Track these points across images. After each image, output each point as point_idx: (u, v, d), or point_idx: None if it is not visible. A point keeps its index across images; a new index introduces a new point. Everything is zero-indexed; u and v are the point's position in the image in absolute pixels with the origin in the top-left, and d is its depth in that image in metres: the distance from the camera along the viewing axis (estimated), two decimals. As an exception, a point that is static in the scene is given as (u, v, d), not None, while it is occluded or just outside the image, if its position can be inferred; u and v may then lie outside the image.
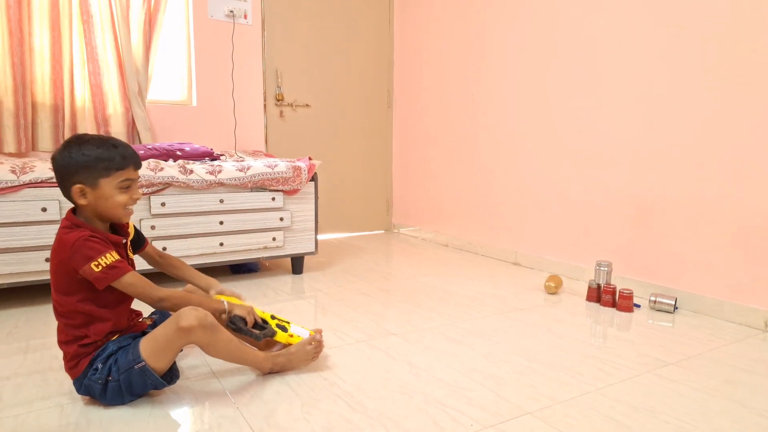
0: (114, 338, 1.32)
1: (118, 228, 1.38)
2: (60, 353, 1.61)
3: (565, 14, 2.63)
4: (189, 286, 1.59)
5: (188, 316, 1.26)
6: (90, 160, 1.24)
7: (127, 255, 1.39)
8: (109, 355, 1.28)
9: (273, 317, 1.55)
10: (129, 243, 1.42)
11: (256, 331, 1.47)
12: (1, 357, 1.61)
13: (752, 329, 1.95)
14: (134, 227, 1.47)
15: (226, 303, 1.44)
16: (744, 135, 1.97)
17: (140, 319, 1.46)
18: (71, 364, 1.29)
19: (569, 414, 1.30)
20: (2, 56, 2.56)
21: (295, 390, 1.41)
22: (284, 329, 1.53)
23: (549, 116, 2.75)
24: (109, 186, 1.27)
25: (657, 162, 2.26)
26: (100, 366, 1.27)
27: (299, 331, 1.56)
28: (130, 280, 1.26)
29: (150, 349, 1.26)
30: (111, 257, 1.24)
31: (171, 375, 1.35)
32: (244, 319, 1.45)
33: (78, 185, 1.25)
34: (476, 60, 3.19)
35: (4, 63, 2.56)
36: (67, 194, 1.27)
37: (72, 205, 1.31)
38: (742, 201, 1.99)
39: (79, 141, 1.26)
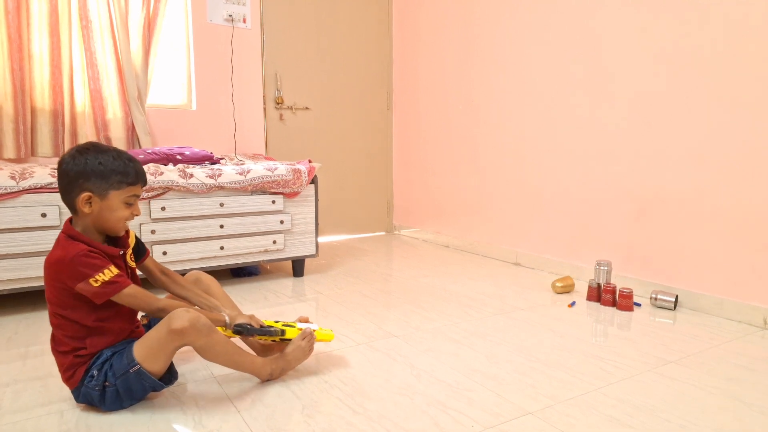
0: (109, 345, 1.30)
1: (116, 239, 1.36)
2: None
3: (563, 13, 2.63)
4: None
5: (180, 317, 1.23)
6: (105, 170, 1.24)
7: (127, 265, 1.36)
8: (104, 361, 1.27)
9: (277, 321, 1.56)
10: (131, 253, 1.39)
11: (271, 329, 1.46)
12: (1, 363, 1.62)
13: (752, 327, 1.95)
14: (135, 236, 1.44)
15: (226, 315, 1.42)
16: (744, 131, 1.97)
17: (141, 326, 1.45)
18: (68, 375, 1.28)
19: (570, 414, 1.30)
20: (1, 62, 2.56)
21: (296, 393, 1.41)
22: (291, 326, 1.54)
23: (548, 115, 2.75)
24: (116, 199, 1.27)
25: (656, 160, 2.26)
26: (95, 373, 1.26)
27: (305, 327, 1.56)
28: (130, 292, 1.25)
29: (144, 352, 1.25)
30: (110, 272, 1.23)
31: (169, 376, 1.34)
32: (249, 324, 1.44)
33: (87, 193, 1.24)
34: (475, 60, 3.19)
35: (4, 69, 2.57)
36: (71, 200, 1.25)
37: (69, 215, 1.29)
38: (741, 198, 1.99)
39: (96, 149, 1.26)
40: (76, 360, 1.27)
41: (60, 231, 1.30)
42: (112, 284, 1.22)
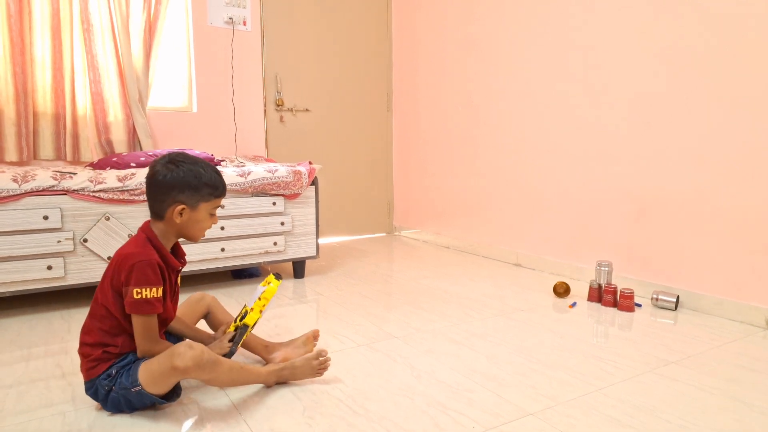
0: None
1: (177, 252, 1.40)
2: (62, 361, 1.63)
3: (562, 14, 2.63)
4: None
5: (183, 355, 1.22)
6: (199, 183, 1.30)
7: (176, 281, 1.39)
8: (126, 365, 1.27)
9: (235, 320, 1.49)
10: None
11: (236, 332, 1.45)
12: (4, 365, 1.62)
13: (753, 327, 1.95)
14: None
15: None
16: (744, 132, 1.98)
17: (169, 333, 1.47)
18: (90, 365, 1.28)
19: (571, 414, 1.31)
20: (4, 65, 2.58)
21: (297, 395, 1.41)
22: (245, 327, 1.46)
23: (548, 116, 2.76)
24: (205, 211, 1.33)
25: (656, 160, 2.27)
26: (113, 372, 1.27)
27: (252, 303, 1.48)
28: (149, 321, 1.27)
29: (147, 377, 1.25)
30: (155, 292, 1.25)
31: (172, 392, 1.32)
32: (230, 347, 1.43)
33: (181, 205, 1.29)
34: (474, 62, 3.20)
35: (6, 72, 2.58)
36: (162, 209, 1.29)
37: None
38: (742, 199, 1.99)
39: (190, 161, 1.31)
40: (103, 356, 1.28)
41: (138, 229, 1.33)
42: (147, 304, 1.25)
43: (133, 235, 1.40)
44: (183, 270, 2.28)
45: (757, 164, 1.94)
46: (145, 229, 1.33)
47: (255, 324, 1.48)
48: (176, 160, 1.30)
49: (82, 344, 1.30)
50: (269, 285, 1.47)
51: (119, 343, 1.28)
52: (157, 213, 1.32)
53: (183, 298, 2.25)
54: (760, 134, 1.92)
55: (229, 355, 1.41)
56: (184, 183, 1.28)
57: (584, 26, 2.53)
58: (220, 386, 1.38)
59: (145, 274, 1.24)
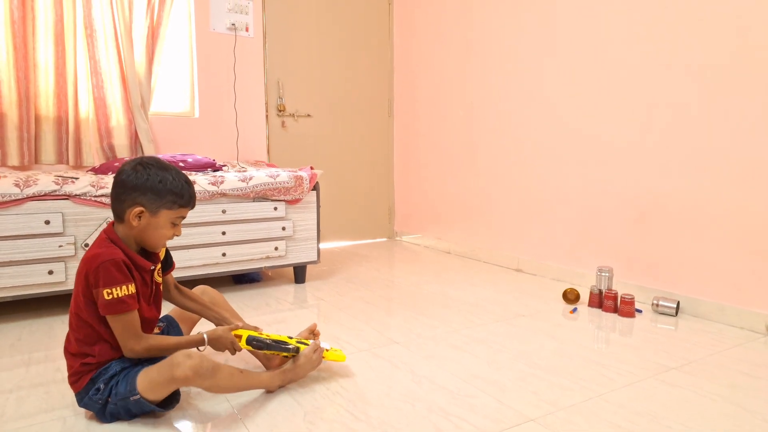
0: (118, 357, 1.29)
1: (150, 252, 1.37)
2: (63, 366, 1.62)
3: (563, 19, 2.65)
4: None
5: (182, 365, 1.21)
6: (164, 189, 1.27)
7: (153, 281, 1.36)
8: (112, 375, 1.26)
9: (291, 337, 1.55)
10: (159, 267, 1.39)
11: (288, 346, 1.48)
12: (4, 370, 1.62)
13: (754, 333, 1.95)
14: (166, 249, 1.46)
15: (205, 336, 1.36)
16: (745, 137, 1.98)
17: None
18: (73, 379, 1.28)
19: (572, 420, 1.30)
20: (7, 71, 2.59)
21: (298, 400, 1.41)
22: (305, 344, 1.54)
23: (548, 122, 2.77)
24: (165, 218, 1.30)
25: (657, 165, 2.27)
26: (102, 387, 1.25)
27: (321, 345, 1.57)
28: (127, 319, 1.24)
29: (146, 384, 1.24)
30: (126, 290, 1.23)
31: (170, 398, 1.31)
32: (262, 340, 1.44)
33: (140, 207, 1.26)
34: (475, 67, 3.21)
35: (9, 77, 2.60)
36: (122, 210, 1.27)
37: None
38: (743, 204, 2.00)
39: (159, 166, 1.28)
40: (82, 368, 1.27)
41: (101, 231, 1.32)
42: (120, 303, 1.22)
43: None
44: (184, 275, 2.30)
45: (757, 169, 1.94)
46: (107, 230, 1.30)
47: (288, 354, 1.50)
48: (146, 164, 1.28)
49: (66, 355, 1.29)
50: (338, 353, 1.58)
51: (96, 351, 1.26)
52: (117, 214, 1.29)
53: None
54: (761, 139, 1.93)
55: (261, 343, 1.43)
56: (146, 186, 1.25)
57: (585, 31, 2.54)
58: (221, 392, 1.38)
59: (110, 273, 1.21)
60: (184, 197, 1.31)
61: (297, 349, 1.50)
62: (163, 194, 1.27)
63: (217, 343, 1.39)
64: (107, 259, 1.22)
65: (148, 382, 1.24)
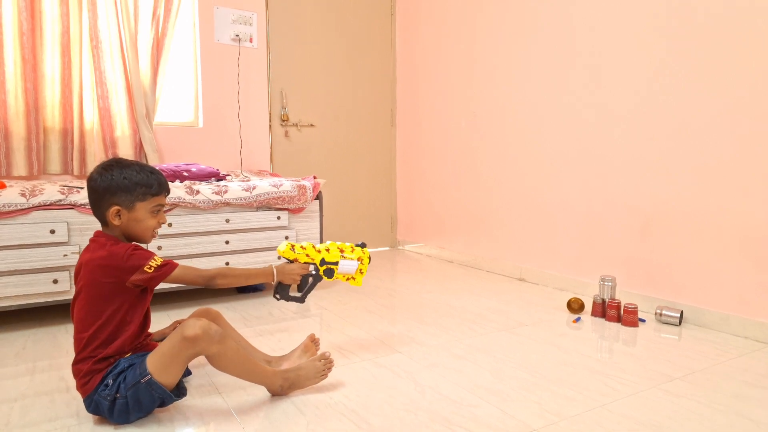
0: (126, 356, 1.34)
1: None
2: (67, 375, 1.63)
3: (566, 28, 2.67)
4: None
5: (193, 325, 1.28)
6: (131, 184, 1.34)
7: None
8: (120, 371, 1.29)
9: (323, 263, 1.64)
10: None
11: (297, 295, 1.63)
12: (9, 378, 1.63)
13: (759, 343, 1.94)
14: None
15: (275, 270, 1.55)
16: (749, 146, 1.99)
17: (150, 339, 1.48)
18: (83, 381, 1.30)
19: (575, 430, 1.30)
20: (15, 82, 2.62)
21: (301, 409, 1.41)
22: (331, 273, 1.63)
23: (551, 131, 2.78)
24: (143, 210, 1.37)
25: (661, 175, 2.28)
26: (110, 382, 1.28)
27: (347, 267, 1.65)
28: (180, 272, 1.37)
29: (156, 363, 1.28)
30: (159, 259, 1.34)
31: (178, 391, 1.35)
32: (286, 288, 1.59)
33: (115, 207, 1.33)
34: (478, 77, 3.23)
35: (17, 88, 2.63)
36: (102, 214, 1.35)
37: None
38: (747, 213, 2.00)
39: (119, 165, 1.36)
40: (94, 366, 1.29)
41: (90, 239, 1.37)
42: (164, 266, 1.33)
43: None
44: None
45: (762, 178, 1.95)
46: (99, 234, 1.37)
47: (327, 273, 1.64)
48: (108, 166, 1.35)
49: (74, 366, 1.32)
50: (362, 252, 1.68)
51: (111, 348, 1.30)
52: (100, 219, 1.37)
53: (188, 312, 2.27)
54: (766, 148, 1.93)
55: (302, 297, 1.60)
56: (115, 186, 1.32)
57: (587, 39, 2.56)
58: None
59: (138, 256, 1.31)
60: (153, 186, 1.38)
61: (317, 281, 1.65)
62: (131, 188, 1.34)
63: (285, 276, 1.57)
64: (126, 249, 1.31)
65: (159, 357, 1.28)
